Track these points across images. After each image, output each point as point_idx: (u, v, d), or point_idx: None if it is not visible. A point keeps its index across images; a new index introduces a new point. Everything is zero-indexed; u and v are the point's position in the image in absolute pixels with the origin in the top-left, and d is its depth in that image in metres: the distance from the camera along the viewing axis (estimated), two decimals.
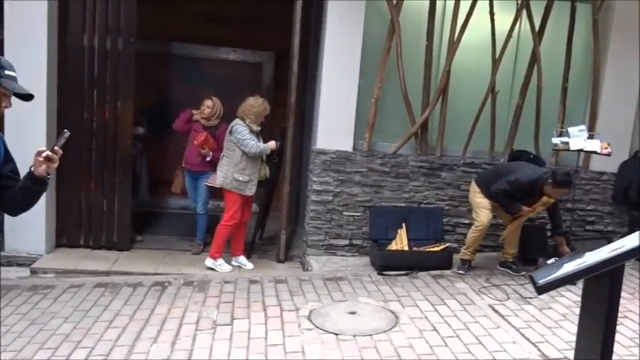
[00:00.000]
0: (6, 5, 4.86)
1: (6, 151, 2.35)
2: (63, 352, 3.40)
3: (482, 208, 5.03)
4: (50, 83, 5.05)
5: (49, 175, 2.21)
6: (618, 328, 3.18)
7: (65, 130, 2.24)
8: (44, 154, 2.16)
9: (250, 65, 7.38)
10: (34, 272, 4.94)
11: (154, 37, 6.35)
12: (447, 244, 5.43)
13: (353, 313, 4.14)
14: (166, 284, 4.65)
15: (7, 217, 5.01)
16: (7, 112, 4.99)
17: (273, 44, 6.89)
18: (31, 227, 5.08)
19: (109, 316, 3.95)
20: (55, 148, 2.19)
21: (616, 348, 2.19)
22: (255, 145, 5.02)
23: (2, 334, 3.59)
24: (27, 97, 2.14)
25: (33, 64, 4.87)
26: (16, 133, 4.88)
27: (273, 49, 7.14)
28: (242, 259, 5.41)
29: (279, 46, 6.68)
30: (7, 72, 2.13)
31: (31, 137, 4.94)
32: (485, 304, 4.41)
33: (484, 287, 4.80)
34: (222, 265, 5.21)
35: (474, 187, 5.14)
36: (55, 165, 2.20)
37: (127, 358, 3.33)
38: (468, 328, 3.93)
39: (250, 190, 5.14)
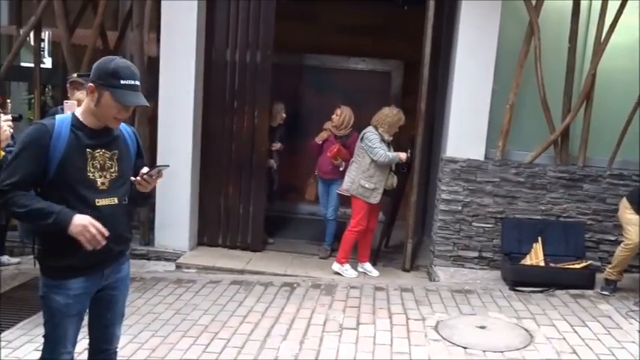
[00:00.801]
0: (162, 24, 5.39)
1: (138, 146, 2.51)
2: (202, 341, 3.67)
3: (633, 225, 4.59)
4: (197, 93, 5.50)
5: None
6: None
7: (167, 165, 2.38)
8: (136, 179, 2.31)
9: (379, 74, 7.44)
10: (178, 267, 5.39)
11: (288, 49, 6.65)
12: (589, 262, 5.02)
13: (482, 327, 3.98)
14: (295, 285, 4.83)
15: (157, 215, 5.55)
16: (159, 117, 5.50)
17: (403, 53, 6.89)
18: (177, 226, 5.56)
19: (243, 312, 4.19)
20: (145, 175, 2.30)
21: None
22: (384, 154, 5.05)
23: (151, 321, 3.97)
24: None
25: (183, 77, 5.36)
26: (166, 136, 5.39)
27: (402, 58, 7.14)
28: (368, 265, 5.44)
29: (408, 55, 6.67)
30: (122, 82, 2.18)
31: (178, 141, 5.44)
32: (633, 329, 4.01)
33: (632, 311, 4.36)
34: (348, 271, 5.29)
35: (624, 204, 4.71)
36: (150, 187, 2.34)
37: (258, 354, 3.52)
38: (613, 354, 3.59)
39: (375, 198, 5.17)
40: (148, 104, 2.44)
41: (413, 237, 5.61)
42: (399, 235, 6.06)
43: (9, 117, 2.58)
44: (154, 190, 2.47)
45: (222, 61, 5.67)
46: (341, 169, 5.60)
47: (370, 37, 7.03)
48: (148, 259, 5.53)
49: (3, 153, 2.53)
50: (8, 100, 2.88)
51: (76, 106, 3.75)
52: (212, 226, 5.88)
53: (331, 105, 5.92)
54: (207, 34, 5.59)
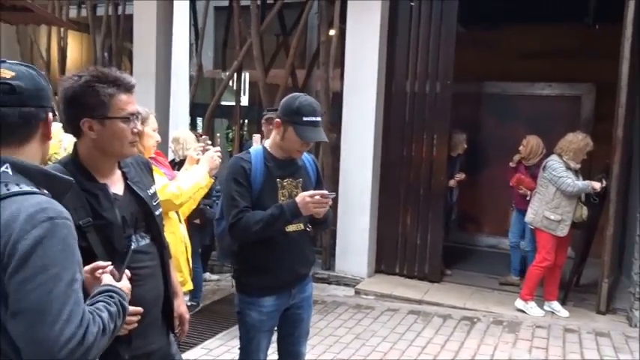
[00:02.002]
0: (347, 61, 5.72)
1: (317, 174, 2.68)
2: None
3: None
4: (377, 124, 5.70)
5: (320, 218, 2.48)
6: None
7: (333, 193, 2.42)
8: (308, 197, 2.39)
9: (567, 99, 6.96)
10: (357, 293, 5.55)
11: (467, 77, 6.57)
12: None
13: None
14: (475, 320, 4.67)
15: (338, 241, 5.80)
16: (342, 148, 5.73)
17: (594, 75, 6.37)
18: (356, 253, 5.76)
19: (422, 342, 4.17)
20: (318, 197, 2.37)
21: None
22: (572, 182, 4.69)
23: (333, 344, 4.14)
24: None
25: (365, 109, 5.61)
26: (347, 166, 5.65)
27: (593, 80, 6.60)
28: (555, 304, 5.04)
29: (600, 77, 6.15)
30: (305, 118, 2.36)
31: (359, 170, 5.66)
32: None
33: None
34: (533, 309, 4.96)
35: None
36: (323, 211, 2.39)
37: None
38: None
39: (562, 231, 4.79)
40: (327, 140, 2.62)
41: (609, 276, 5.07)
42: (592, 273, 5.52)
43: (218, 148, 2.95)
44: (329, 216, 2.61)
45: (401, 93, 5.81)
46: (527, 198, 5.34)
47: (556, 61, 6.64)
48: (329, 283, 5.80)
49: (213, 180, 2.90)
50: (218, 135, 3.29)
51: (258, 142, 4.17)
52: (390, 255, 5.97)
53: (514, 133, 5.71)
54: (388, 67, 5.78)
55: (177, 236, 2.89)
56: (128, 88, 1.70)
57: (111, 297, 1.36)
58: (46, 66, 7.26)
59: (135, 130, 1.73)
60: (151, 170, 2.01)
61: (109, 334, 1.27)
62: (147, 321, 1.73)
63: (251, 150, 2.56)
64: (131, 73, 6.87)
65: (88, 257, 1.47)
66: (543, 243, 4.89)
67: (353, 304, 5.13)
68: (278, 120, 2.44)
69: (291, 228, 2.46)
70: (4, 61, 1.32)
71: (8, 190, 1.21)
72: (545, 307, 5.02)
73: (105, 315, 1.28)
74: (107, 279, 1.44)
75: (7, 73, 1.29)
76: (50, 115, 1.35)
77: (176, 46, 5.04)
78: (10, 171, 1.24)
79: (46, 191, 1.27)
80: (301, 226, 2.51)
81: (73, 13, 7.35)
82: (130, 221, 1.74)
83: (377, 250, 5.96)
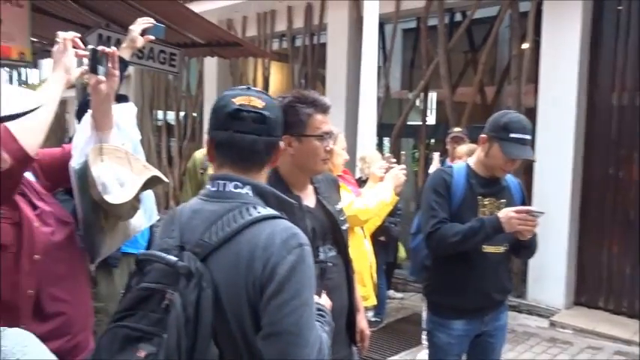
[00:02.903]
0: (541, 74, 5.36)
1: (523, 199, 2.52)
2: None
3: None
4: (577, 141, 5.21)
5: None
6: None
7: (542, 212, 2.24)
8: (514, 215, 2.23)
9: None
10: (552, 325, 5.08)
11: None
12: None
13: None
14: None
15: (531, 267, 5.41)
16: (536, 166, 5.36)
17: None
18: (552, 281, 5.28)
19: None
20: (525, 214, 2.21)
21: None
22: None
23: None
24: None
25: (562, 124, 5.17)
26: (542, 185, 5.26)
27: None
28: None
29: None
30: (512, 135, 2.26)
31: (555, 190, 5.23)
32: None
33: None
34: None
35: None
36: (529, 233, 2.25)
37: None
38: None
39: None
40: (534, 158, 2.46)
41: None
42: None
43: (403, 166, 2.96)
44: (536, 241, 2.43)
45: (606, 106, 5.24)
46: None
47: None
48: (519, 311, 5.41)
49: (397, 198, 2.92)
50: (403, 153, 3.32)
51: (437, 160, 4.07)
52: (591, 285, 5.36)
53: None
54: (590, 78, 5.27)
55: (361, 251, 2.97)
56: (324, 109, 1.84)
57: (322, 316, 1.40)
58: None
59: (327, 148, 1.85)
60: (338, 187, 2.12)
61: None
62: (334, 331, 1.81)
63: (454, 165, 2.56)
64: None
65: None
66: None
67: (547, 336, 4.71)
68: (484, 136, 2.40)
69: (489, 249, 2.37)
70: (249, 88, 1.43)
71: (258, 212, 1.30)
72: None
73: (325, 336, 1.33)
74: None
75: (259, 103, 1.37)
76: (282, 143, 1.45)
77: (365, 69, 5.24)
78: (251, 193, 1.35)
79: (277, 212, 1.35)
80: (501, 248, 2.40)
81: (275, 45, 8.10)
82: (319, 233, 1.84)
83: (576, 279, 5.40)
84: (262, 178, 1.41)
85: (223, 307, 1.26)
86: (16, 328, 0.59)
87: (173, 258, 1.26)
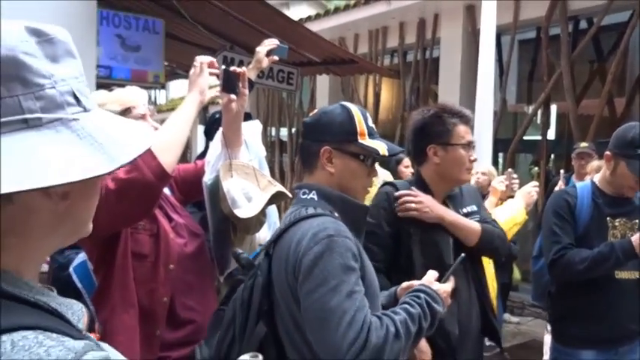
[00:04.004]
0: None
1: None
2: None
3: None
4: None
5: None
6: None
7: None
8: None
9: None
10: None
11: None
12: None
13: None
14: None
15: None
16: None
17: None
18: None
19: None
20: None
21: None
22: None
23: None
24: None
25: None
26: None
27: None
28: None
29: None
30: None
31: None
32: None
33: None
34: None
35: None
36: None
37: None
38: None
39: None
40: None
41: None
42: None
43: (536, 183, 2.82)
44: None
45: None
46: None
47: None
48: None
49: (526, 217, 2.76)
50: (509, 170, 3.14)
51: (562, 178, 3.77)
52: None
53: None
54: None
55: (489, 272, 2.85)
56: (467, 120, 1.93)
57: (417, 297, 1.39)
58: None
59: (471, 158, 1.92)
60: (482, 197, 2.17)
61: (404, 336, 1.28)
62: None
63: (578, 185, 2.42)
64: None
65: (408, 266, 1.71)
66: None
67: None
68: (608, 153, 2.23)
69: (622, 275, 2.19)
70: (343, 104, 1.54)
71: (307, 211, 1.41)
72: None
73: (399, 317, 1.31)
74: (428, 276, 1.49)
75: (314, 113, 1.56)
76: (324, 149, 1.47)
77: (481, 83, 5.08)
78: (316, 197, 1.45)
79: (336, 214, 1.42)
80: (636, 274, 2.21)
81: (386, 61, 8.12)
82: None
83: None
84: (322, 180, 1.48)
85: (274, 293, 1.40)
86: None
87: (238, 252, 1.56)
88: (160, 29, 4.50)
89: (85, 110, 0.68)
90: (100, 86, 2.99)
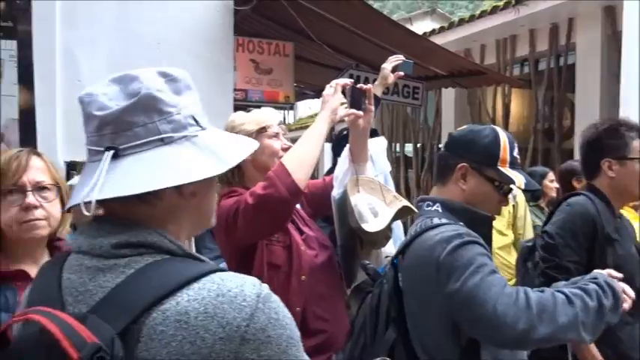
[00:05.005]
0: None
1: None
2: None
3: None
4: None
5: None
6: None
7: None
8: None
9: None
10: None
11: None
12: None
13: None
14: None
15: None
16: None
17: None
18: None
19: None
20: None
21: None
22: None
23: None
24: None
25: None
26: None
27: None
28: None
29: None
30: None
31: None
32: None
33: None
34: None
35: None
36: None
37: None
38: None
39: None
40: None
41: None
42: None
43: None
44: None
45: None
46: None
47: None
48: None
49: None
50: None
51: None
52: None
53: None
54: None
55: None
56: None
57: (594, 277, 1.39)
58: (491, 122, 7.86)
59: None
60: None
61: (578, 305, 1.28)
62: None
63: None
64: (572, 124, 6.75)
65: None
66: None
67: None
68: None
69: None
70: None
71: (431, 222, 1.48)
72: None
73: (570, 290, 1.33)
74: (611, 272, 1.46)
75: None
76: (460, 165, 1.53)
77: (625, 89, 4.65)
78: (440, 209, 1.51)
79: (461, 223, 1.47)
80: None
81: (515, 71, 7.77)
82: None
83: None
84: (452, 194, 1.53)
85: (404, 299, 1.46)
86: None
87: (365, 262, 1.69)
88: (290, 52, 4.74)
89: (203, 128, 0.89)
90: (237, 108, 3.21)
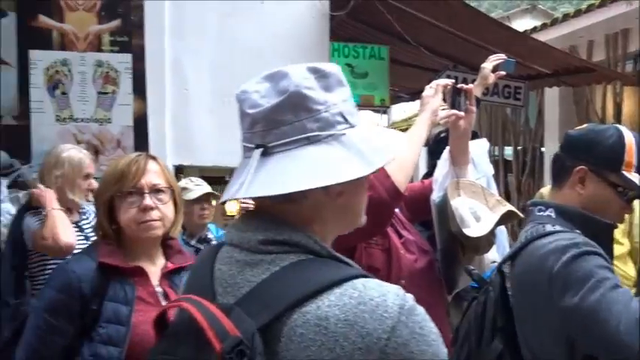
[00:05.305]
0: None
1: None
2: None
3: None
4: None
5: None
6: None
7: None
8: None
9: None
10: None
11: None
12: None
13: None
14: None
15: None
16: None
17: None
18: None
19: None
20: None
21: None
22: None
23: None
24: None
25: None
26: None
27: None
28: None
29: None
30: None
31: None
32: None
33: None
34: None
35: None
36: None
37: None
38: None
39: None
40: None
41: None
42: None
43: None
44: None
45: None
46: None
47: None
48: None
49: None
50: None
51: None
52: None
53: None
54: None
55: None
56: None
57: None
58: (600, 123, 7.36)
59: None
60: None
61: None
62: None
63: None
64: None
65: None
66: None
67: None
68: None
69: None
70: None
71: (544, 229, 1.39)
72: None
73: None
74: None
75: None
76: (578, 168, 1.43)
77: None
78: (553, 214, 1.42)
79: (578, 231, 1.37)
80: None
81: (628, 67, 7.21)
82: None
83: None
84: (569, 199, 1.43)
85: (513, 309, 1.41)
86: None
87: (470, 267, 1.63)
88: (385, 55, 4.72)
89: (351, 126, 0.86)
90: None
